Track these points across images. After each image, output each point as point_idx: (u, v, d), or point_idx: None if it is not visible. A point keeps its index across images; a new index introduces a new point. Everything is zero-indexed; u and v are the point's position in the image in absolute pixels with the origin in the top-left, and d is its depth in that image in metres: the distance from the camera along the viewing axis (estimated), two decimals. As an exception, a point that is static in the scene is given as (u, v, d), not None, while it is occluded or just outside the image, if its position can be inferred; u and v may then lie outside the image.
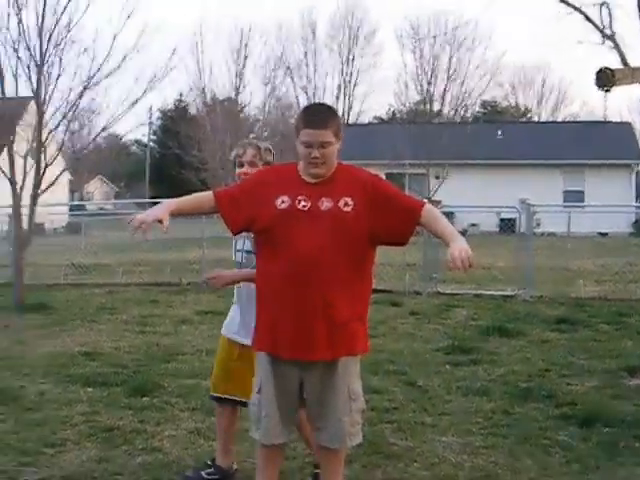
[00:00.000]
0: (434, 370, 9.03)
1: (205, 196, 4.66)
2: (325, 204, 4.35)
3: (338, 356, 4.40)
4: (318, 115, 4.46)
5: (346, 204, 4.35)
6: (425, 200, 4.73)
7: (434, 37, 45.46)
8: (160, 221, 4.33)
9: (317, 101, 65.74)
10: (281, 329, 4.36)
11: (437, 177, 40.22)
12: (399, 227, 4.45)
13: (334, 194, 4.38)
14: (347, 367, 4.48)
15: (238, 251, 5.34)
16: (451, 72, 44.55)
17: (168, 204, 4.53)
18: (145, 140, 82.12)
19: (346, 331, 4.38)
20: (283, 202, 4.37)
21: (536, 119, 76.02)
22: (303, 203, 4.36)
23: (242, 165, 5.32)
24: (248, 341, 4.85)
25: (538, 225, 21.46)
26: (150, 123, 76.82)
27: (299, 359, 4.39)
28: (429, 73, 44.58)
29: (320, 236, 4.28)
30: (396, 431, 6.74)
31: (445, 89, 44.88)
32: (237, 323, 5.39)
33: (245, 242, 5.25)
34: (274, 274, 4.37)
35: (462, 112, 48.16)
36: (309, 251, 4.26)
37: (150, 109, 71.07)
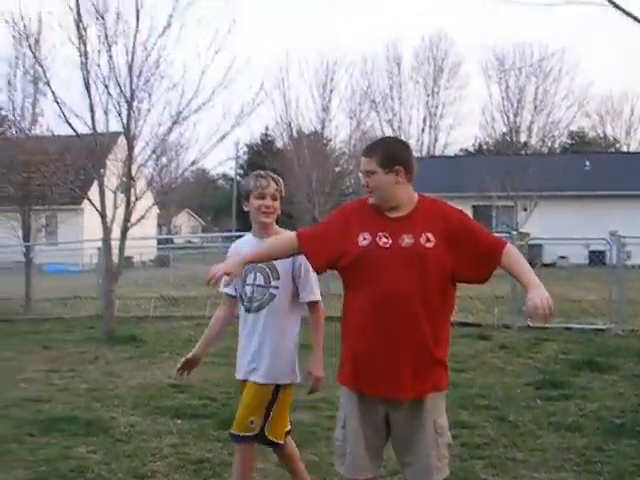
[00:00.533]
0: (525, 405, 8.88)
1: (287, 239, 4.66)
2: (406, 240, 4.29)
3: (425, 393, 4.34)
4: (370, 144, 4.55)
5: (428, 240, 4.28)
6: (507, 240, 4.64)
7: (519, 69, 45.02)
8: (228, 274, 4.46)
9: (402, 134, 65.85)
10: (367, 366, 4.31)
11: (525, 209, 39.68)
12: (479, 266, 4.38)
13: (415, 229, 4.31)
14: (434, 403, 4.41)
15: (248, 285, 5.27)
16: (537, 103, 44.00)
17: (244, 257, 4.62)
18: (232, 174, 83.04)
19: (433, 368, 4.33)
20: (364, 239, 4.33)
21: (625, 149, 74.89)
22: (384, 240, 4.31)
23: (264, 197, 5.27)
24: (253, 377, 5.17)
25: (629, 257, 21.02)
26: (237, 157, 77.69)
27: (385, 396, 4.35)
28: (515, 104, 44.14)
29: (403, 273, 4.22)
30: (487, 467, 6.63)
31: (532, 120, 44.36)
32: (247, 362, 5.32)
33: (256, 275, 5.22)
34: (359, 311, 4.33)
35: (549, 143, 47.53)
36: (393, 288, 4.21)
37: (237, 143, 71.99)
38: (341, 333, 4.49)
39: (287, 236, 4.69)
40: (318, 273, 4.78)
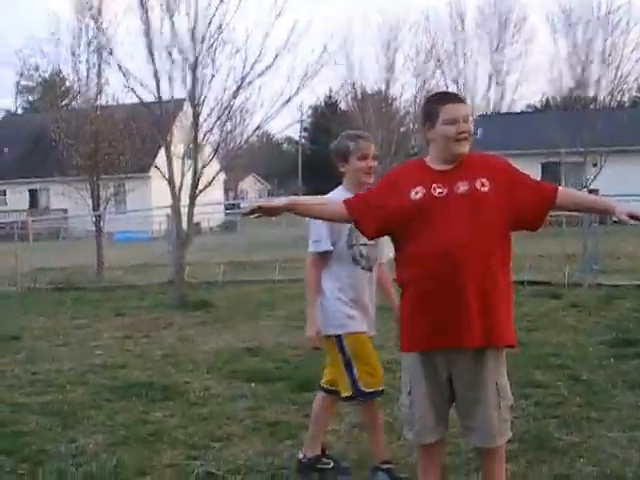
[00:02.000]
0: (598, 364, 8.78)
1: (338, 205, 4.61)
2: (461, 187, 4.27)
3: (493, 343, 4.31)
4: (451, 94, 4.57)
5: (483, 185, 4.27)
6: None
7: (587, 22, 44.24)
8: (274, 209, 4.45)
9: (468, 91, 65.01)
10: (433, 315, 4.28)
11: (594, 165, 39.11)
12: (534, 209, 4.37)
13: (469, 177, 4.30)
14: (496, 362, 4.39)
15: (362, 245, 5.26)
16: (606, 56, 43.23)
17: (293, 200, 4.57)
18: (297, 138, 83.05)
19: (500, 317, 4.30)
20: (417, 193, 4.30)
21: (697, 101, 73.36)
22: (439, 190, 4.28)
23: (366, 158, 5.28)
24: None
25: (703, 212, 20.66)
26: (302, 121, 77.60)
27: (454, 346, 4.31)
28: (583, 58, 43.42)
29: (463, 219, 4.21)
30: (561, 426, 6.56)
31: (600, 74, 43.61)
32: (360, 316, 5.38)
33: (356, 236, 5.20)
34: (423, 264, 4.29)
35: (619, 97, 46.71)
36: (456, 234, 4.18)
37: (301, 106, 71.88)
38: (403, 296, 4.49)
39: (339, 202, 4.64)
40: (370, 239, 4.75)
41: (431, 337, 4.33)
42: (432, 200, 4.27)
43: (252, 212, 4.43)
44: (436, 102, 4.42)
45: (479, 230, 4.21)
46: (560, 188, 4.41)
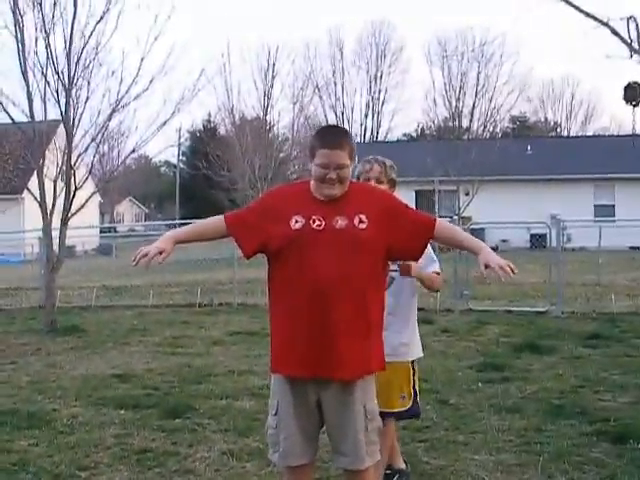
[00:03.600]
0: (466, 388, 8.99)
1: (215, 221, 4.60)
2: (340, 222, 4.30)
3: (357, 375, 4.36)
4: (334, 136, 4.42)
5: (361, 221, 4.31)
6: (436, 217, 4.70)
7: (462, 54, 45.38)
8: (161, 252, 4.36)
9: (345, 119, 66.01)
10: (301, 348, 4.30)
11: (467, 194, 40.02)
12: (412, 242, 4.45)
13: (349, 212, 4.33)
14: (364, 387, 4.44)
15: None
16: (479, 88, 44.39)
17: (172, 236, 4.53)
18: (174, 161, 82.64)
19: (364, 350, 4.34)
20: (297, 222, 4.31)
21: (565, 133, 75.76)
22: (317, 222, 4.30)
23: (368, 181, 5.36)
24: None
25: (569, 240, 21.34)
26: (179, 144, 77.25)
27: (318, 376, 4.34)
28: (457, 89, 44.47)
29: (337, 255, 4.24)
30: (429, 449, 6.70)
31: (474, 105, 44.73)
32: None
33: None
34: (292, 294, 4.32)
35: (491, 128, 47.98)
36: (327, 271, 4.21)
37: (179, 130, 71.55)
38: (270, 318, 4.50)
39: (216, 219, 4.62)
40: (247, 257, 4.70)
41: (300, 366, 4.34)
42: (309, 232, 4.28)
43: (141, 259, 4.37)
44: (316, 141, 4.41)
45: (352, 268, 4.24)
46: (438, 220, 4.49)
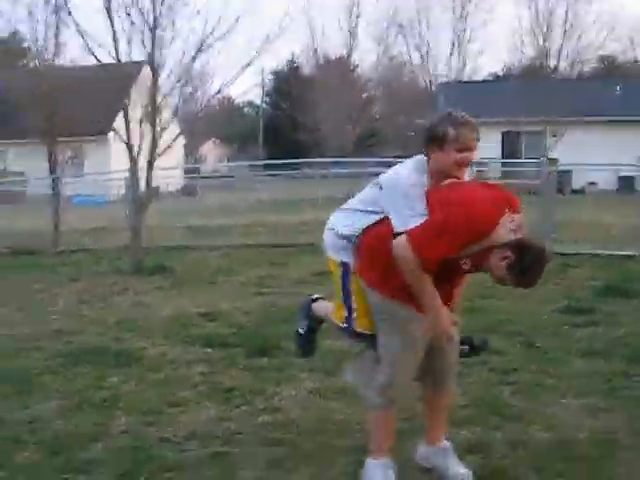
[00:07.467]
0: (553, 331, 8.87)
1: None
2: None
3: None
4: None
5: None
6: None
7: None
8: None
9: (430, 59, 64.96)
10: None
11: (554, 135, 39.27)
12: None
13: None
14: None
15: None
16: (567, 27, 43.32)
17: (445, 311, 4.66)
18: (258, 102, 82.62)
19: None
20: None
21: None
22: None
23: (466, 150, 4.50)
24: None
25: (658, 182, 20.78)
26: (263, 85, 77.23)
27: None
28: (545, 28, 43.46)
29: None
30: (515, 393, 6.64)
31: (561, 44, 43.71)
32: None
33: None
34: None
35: (579, 68, 46.89)
36: None
37: (262, 71, 71.48)
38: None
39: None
40: None
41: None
42: None
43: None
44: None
45: None
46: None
